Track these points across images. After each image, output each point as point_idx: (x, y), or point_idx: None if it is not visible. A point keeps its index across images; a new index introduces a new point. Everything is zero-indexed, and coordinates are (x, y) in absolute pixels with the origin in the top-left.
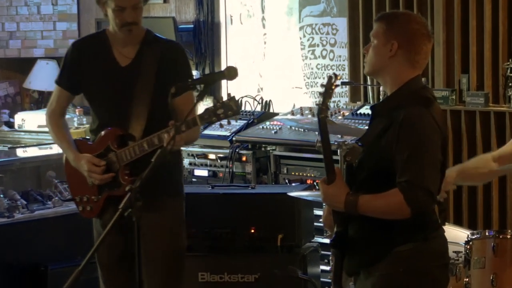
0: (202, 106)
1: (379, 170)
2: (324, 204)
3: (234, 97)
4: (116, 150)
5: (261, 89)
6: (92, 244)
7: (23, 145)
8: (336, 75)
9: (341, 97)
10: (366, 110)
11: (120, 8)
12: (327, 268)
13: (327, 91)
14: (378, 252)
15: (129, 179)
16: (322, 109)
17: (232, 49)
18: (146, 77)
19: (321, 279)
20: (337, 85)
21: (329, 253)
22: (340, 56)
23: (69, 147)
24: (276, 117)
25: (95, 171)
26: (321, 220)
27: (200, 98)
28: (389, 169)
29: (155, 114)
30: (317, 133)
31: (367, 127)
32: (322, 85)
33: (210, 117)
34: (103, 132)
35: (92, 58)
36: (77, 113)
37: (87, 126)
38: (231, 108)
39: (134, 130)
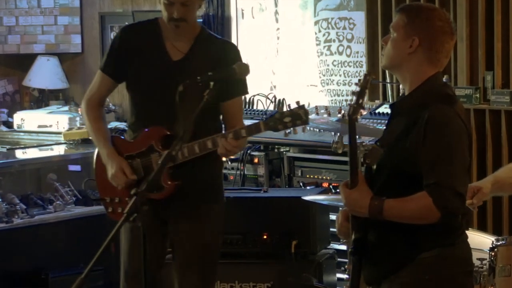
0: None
1: (402, 172)
2: (340, 208)
3: (304, 105)
4: (160, 150)
5: (274, 87)
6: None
7: (22, 146)
8: (370, 73)
9: None
10: (385, 109)
11: (169, 2)
12: (344, 276)
13: (363, 90)
14: (401, 260)
15: (173, 183)
16: (355, 109)
17: (244, 45)
18: (198, 75)
19: None
20: (372, 82)
21: (346, 260)
22: (357, 52)
23: (105, 144)
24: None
25: (120, 178)
26: None
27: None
28: (413, 171)
29: (204, 116)
30: (333, 133)
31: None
32: (356, 84)
33: (275, 124)
34: (146, 130)
35: (142, 46)
36: (79, 112)
37: None
38: (300, 117)
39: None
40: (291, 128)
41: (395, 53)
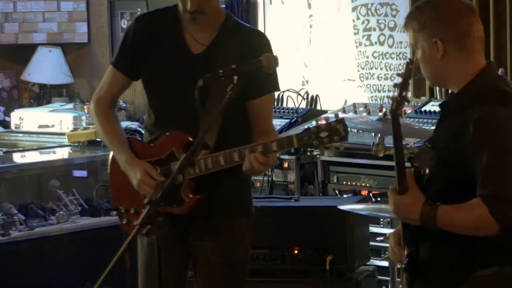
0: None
1: (458, 179)
2: (382, 220)
3: (343, 119)
4: None
5: (306, 81)
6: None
7: (21, 148)
8: (413, 61)
9: None
10: (432, 107)
11: None
12: None
13: (406, 81)
14: (456, 277)
15: (194, 197)
16: (398, 103)
17: (272, 34)
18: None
19: None
20: (418, 77)
21: (387, 278)
22: (401, 43)
23: (121, 148)
24: (324, 115)
25: (148, 184)
26: (378, 238)
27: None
28: (466, 179)
29: (232, 119)
30: (373, 134)
31: (433, 127)
32: (398, 75)
33: (310, 139)
34: (167, 134)
35: (159, 38)
36: (85, 110)
37: None
38: (338, 132)
39: (206, 137)
40: (328, 145)
41: (431, 68)
